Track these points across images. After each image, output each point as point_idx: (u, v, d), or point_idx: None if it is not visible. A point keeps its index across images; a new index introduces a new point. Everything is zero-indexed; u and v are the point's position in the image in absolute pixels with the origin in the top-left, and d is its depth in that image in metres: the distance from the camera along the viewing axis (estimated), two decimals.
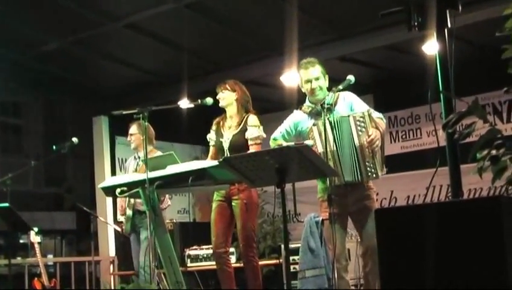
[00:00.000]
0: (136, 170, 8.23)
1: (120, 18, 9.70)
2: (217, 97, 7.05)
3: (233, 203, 6.92)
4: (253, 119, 6.95)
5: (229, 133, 7.01)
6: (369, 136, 5.75)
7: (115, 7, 9.56)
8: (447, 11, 3.87)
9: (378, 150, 5.83)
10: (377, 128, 5.83)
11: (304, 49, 9.36)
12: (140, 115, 6.08)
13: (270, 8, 9.42)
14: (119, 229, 8.66)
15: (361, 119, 5.80)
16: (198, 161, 6.58)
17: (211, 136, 7.16)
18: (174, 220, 11.18)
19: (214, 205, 7.09)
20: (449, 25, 3.87)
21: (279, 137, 6.30)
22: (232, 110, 7.08)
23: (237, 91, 7.06)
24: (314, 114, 6.06)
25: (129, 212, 8.17)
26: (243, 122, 6.96)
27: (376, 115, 6.01)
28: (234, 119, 7.05)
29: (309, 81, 6.11)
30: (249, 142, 6.85)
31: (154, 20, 9.73)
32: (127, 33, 10.07)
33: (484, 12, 8.55)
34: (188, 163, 5.97)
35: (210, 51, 10.94)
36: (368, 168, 5.79)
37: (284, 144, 6.06)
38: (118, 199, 8.40)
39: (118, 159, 12.33)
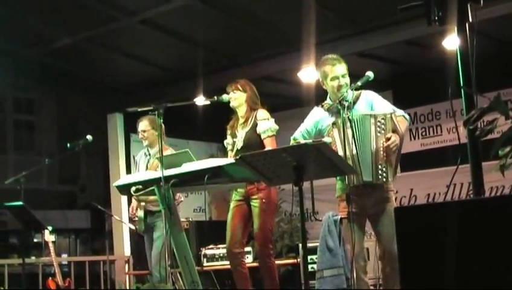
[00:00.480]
0: (147, 167, 8.24)
1: (134, 13, 9.72)
2: (228, 97, 7.04)
3: (252, 203, 6.92)
4: (261, 113, 6.98)
5: (242, 132, 7.02)
6: (387, 139, 5.72)
7: (129, 2, 9.58)
8: (468, 5, 3.85)
9: (393, 156, 5.79)
10: (395, 131, 5.79)
11: (321, 45, 9.35)
12: (156, 112, 6.08)
13: (287, 2, 9.41)
14: (133, 227, 8.66)
15: (382, 120, 5.77)
16: (214, 159, 6.61)
17: (228, 141, 7.18)
18: (190, 219, 11.19)
19: (232, 204, 7.09)
20: (470, 19, 3.85)
21: (299, 136, 6.28)
22: (242, 110, 7.10)
23: (248, 91, 7.08)
24: (335, 112, 6.04)
25: (140, 213, 8.16)
26: (253, 118, 6.97)
27: (399, 112, 5.98)
28: (244, 118, 7.07)
29: (336, 78, 6.08)
30: (262, 136, 6.86)
31: (168, 15, 9.75)
32: (142, 29, 10.09)
33: (507, 6, 8.51)
34: (203, 161, 5.98)
35: (226, 46, 10.94)
36: (380, 171, 5.75)
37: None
38: (133, 201, 8.40)
39: (133, 156, 12.33)
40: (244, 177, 5.83)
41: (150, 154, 8.34)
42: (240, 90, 7.06)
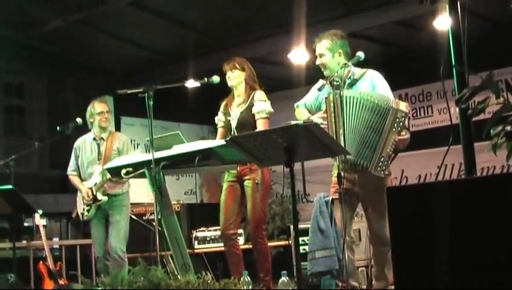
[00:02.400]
0: (99, 152, 8.17)
1: None
2: (227, 76, 6.98)
3: (245, 183, 6.87)
4: (259, 94, 6.89)
5: (236, 111, 6.95)
6: (400, 136, 5.58)
7: None
8: None
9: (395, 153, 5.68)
10: (407, 130, 5.65)
11: (312, 26, 9.32)
12: (145, 94, 6.04)
13: None
14: (75, 214, 8.48)
15: (402, 118, 5.55)
16: (205, 141, 6.55)
17: (219, 118, 7.11)
18: (181, 201, 11.16)
19: (225, 185, 7.03)
20: None
21: (301, 104, 6.22)
22: (240, 89, 7.01)
23: (246, 70, 7.00)
24: (331, 86, 5.91)
25: (104, 197, 8.03)
26: (250, 98, 6.91)
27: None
28: (241, 98, 6.99)
29: (317, 56, 6.04)
30: (256, 117, 6.79)
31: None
32: (131, 11, 10.04)
33: None
34: (194, 143, 5.93)
35: (216, 29, 10.90)
36: (381, 163, 5.59)
37: (304, 112, 6.05)
38: (79, 185, 8.24)
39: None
40: (235, 159, 5.79)
41: (102, 138, 8.20)
42: (237, 68, 6.97)
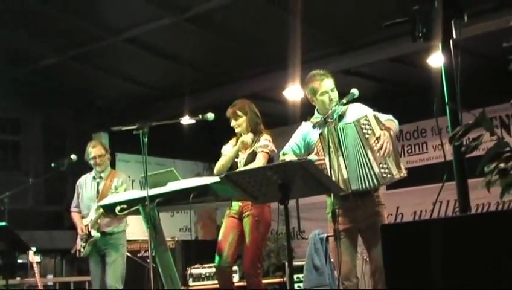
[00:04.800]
0: (98, 191, 8.22)
1: (120, 32, 9.72)
2: (231, 125, 6.96)
3: (244, 220, 6.82)
4: (264, 141, 6.85)
5: (244, 154, 6.93)
6: (377, 138, 5.69)
7: (114, 21, 9.58)
8: (452, 22, 3.83)
9: (390, 152, 5.74)
10: (386, 129, 5.77)
11: (307, 63, 9.34)
12: (140, 131, 6.04)
13: (273, 21, 9.42)
14: (74, 250, 8.49)
15: (366, 122, 5.77)
16: (200, 177, 6.56)
17: (226, 149, 7.08)
18: (176, 238, 11.13)
19: (225, 219, 6.98)
20: (454, 36, 3.83)
21: (288, 150, 6.22)
22: (245, 133, 6.98)
23: (247, 114, 6.95)
24: (322, 125, 5.98)
25: (97, 234, 8.07)
26: (255, 143, 6.87)
27: (384, 117, 5.96)
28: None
29: (326, 92, 6.05)
30: (257, 150, 6.78)
31: (154, 34, 9.75)
32: (127, 47, 10.08)
33: (491, 23, 8.53)
34: (189, 179, 5.93)
35: (211, 65, 10.93)
36: (382, 170, 5.68)
37: (292, 158, 6.03)
38: (78, 221, 8.32)
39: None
40: (230, 196, 5.79)
41: (101, 177, 8.30)
42: (239, 116, 6.95)
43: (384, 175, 5.71)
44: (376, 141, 5.71)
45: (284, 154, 6.22)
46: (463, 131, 3.08)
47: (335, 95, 6.08)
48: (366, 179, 5.73)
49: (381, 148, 5.68)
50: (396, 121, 6.04)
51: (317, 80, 6.13)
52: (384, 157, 5.70)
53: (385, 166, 5.71)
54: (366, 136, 5.74)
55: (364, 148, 5.74)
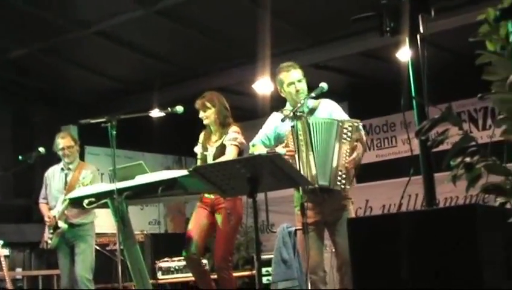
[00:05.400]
0: (66, 182, 8.18)
1: (90, 24, 9.66)
2: (200, 116, 6.93)
3: (216, 212, 6.80)
4: (232, 134, 6.82)
5: (213, 147, 6.91)
6: (352, 148, 5.71)
7: (84, 14, 9.51)
8: (420, 16, 3.85)
9: (355, 167, 5.78)
10: (361, 143, 5.80)
11: (277, 56, 9.35)
12: (109, 124, 6.01)
13: (243, 14, 9.41)
14: (42, 245, 8.44)
15: (349, 128, 5.77)
16: (168, 171, 6.53)
17: (198, 149, 7.07)
18: (145, 232, 11.09)
19: (196, 210, 6.94)
20: (422, 31, 3.85)
21: (258, 142, 6.21)
22: (214, 127, 6.96)
23: (216, 106, 6.91)
24: (293, 118, 5.96)
25: (64, 225, 8.03)
26: (223, 136, 6.84)
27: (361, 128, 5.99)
28: (217, 135, 6.96)
29: (292, 83, 6.06)
30: (226, 143, 6.76)
31: (124, 27, 9.69)
32: (97, 40, 10.02)
33: (458, 18, 8.60)
34: (157, 173, 5.91)
35: (181, 58, 10.90)
36: (339, 177, 5.73)
37: (262, 150, 6.02)
38: (45, 212, 8.26)
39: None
40: (199, 189, 5.79)
41: (69, 169, 8.26)
42: (208, 107, 6.90)
43: (338, 183, 5.73)
44: (348, 150, 5.74)
45: (253, 146, 6.22)
46: (429, 125, 3.10)
47: (302, 86, 6.07)
48: (330, 177, 5.75)
49: (350, 158, 5.71)
50: (363, 131, 6.07)
51: (284, 70, 6.15)
52: (347, 168, 5.73)
53: (343, 176, 5.73)
54: (343, 140, 5.76)
55: (333, 149, 5.75)
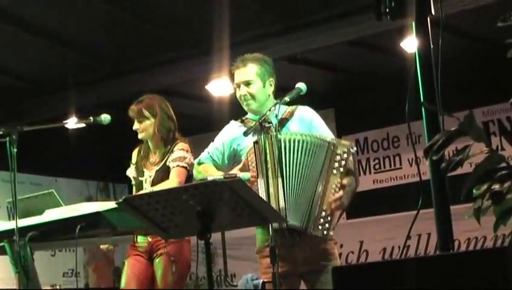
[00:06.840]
0: None
1: None
2: (134, 128, 6.90)
3: (156, 260, 6.79)
4: (180, 145, 6.81)
5: (151, 170, 6.89)
6: (342, 185, 5.66)
7: None
8: None
9: (341, 209, 5.76)
10: (350, 172, 5.75)
11: (238, 46, 9.36)
12: (7, 138, 5.96)
13: None
14: None
15: (344, 154, 5.67)
16: (91, 203, 6.49)
17: (130, 173, 7.04)
18: (58, 287, 11.05)
19: (129, 260, 6.94)
20: (433, 12, 3.87)
21: (206, 159, 6.13)
22: (153, 143, 6.94)
23: (157, 114, 6.86)
24: (258, 130, 5.89)
25: None
26: (166, 155, 6.84)
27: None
28: (157, 154, 6.94)
29: (237, 86, 5.99)
30: (170, 165, 6.73)
31: (28, 5, 9.63)
32: None
33: None
34: (75, 205, 5.89)
35: (110, 49, 10.90)
36: (322, 219, 5.66)
37: (214, 172, 5.98)
38: None
39: None
40: (132, 228, 5.77)
41: None
42: (145, 116, 6.87)
43: (320, 227, 5.69)
44: (338, 186, 5.70)
45: (199, 164, 6.13)
46: (443, 141, 3.11)
47: (252, 89, 5.97)
48: (307, 217, 5.68)
49: (338, 198, 5.67)
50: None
51: (234, 68, 6.07)
52: (332, 209, 5.68)
53: (328, 218, 5.68)
54: (334, 169, 5.67)
55: (318, 180, 5.68)
